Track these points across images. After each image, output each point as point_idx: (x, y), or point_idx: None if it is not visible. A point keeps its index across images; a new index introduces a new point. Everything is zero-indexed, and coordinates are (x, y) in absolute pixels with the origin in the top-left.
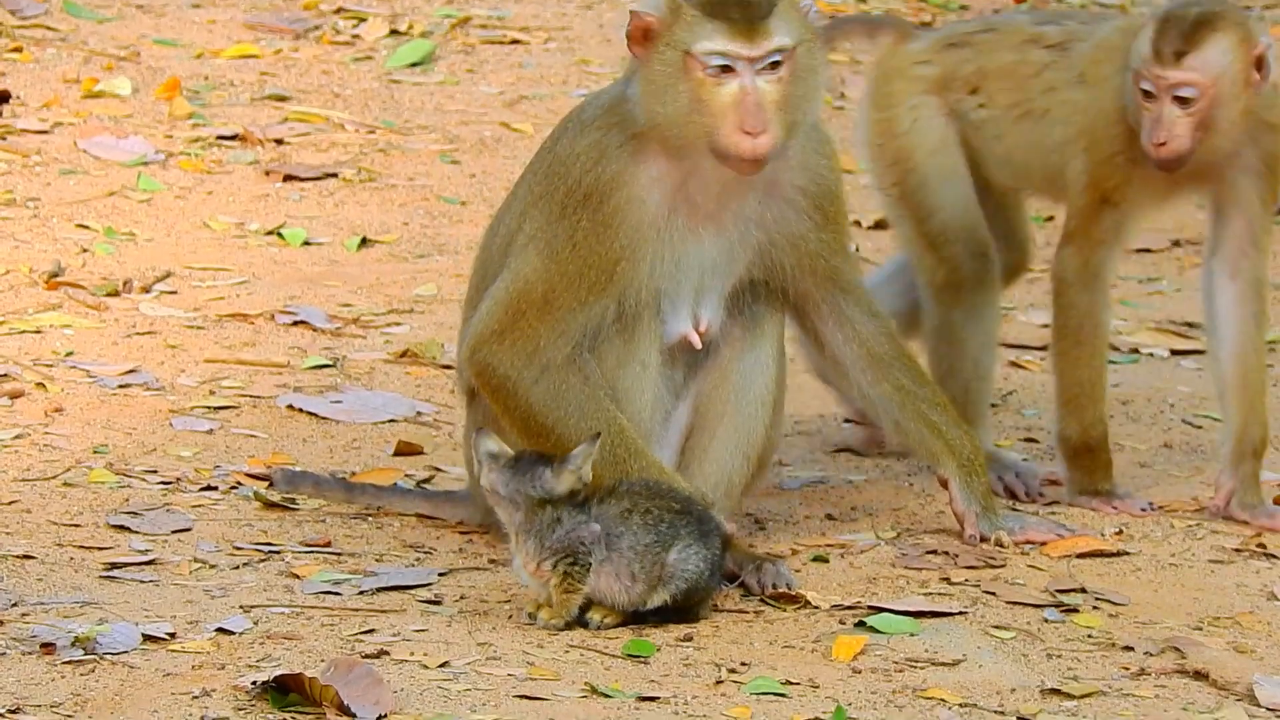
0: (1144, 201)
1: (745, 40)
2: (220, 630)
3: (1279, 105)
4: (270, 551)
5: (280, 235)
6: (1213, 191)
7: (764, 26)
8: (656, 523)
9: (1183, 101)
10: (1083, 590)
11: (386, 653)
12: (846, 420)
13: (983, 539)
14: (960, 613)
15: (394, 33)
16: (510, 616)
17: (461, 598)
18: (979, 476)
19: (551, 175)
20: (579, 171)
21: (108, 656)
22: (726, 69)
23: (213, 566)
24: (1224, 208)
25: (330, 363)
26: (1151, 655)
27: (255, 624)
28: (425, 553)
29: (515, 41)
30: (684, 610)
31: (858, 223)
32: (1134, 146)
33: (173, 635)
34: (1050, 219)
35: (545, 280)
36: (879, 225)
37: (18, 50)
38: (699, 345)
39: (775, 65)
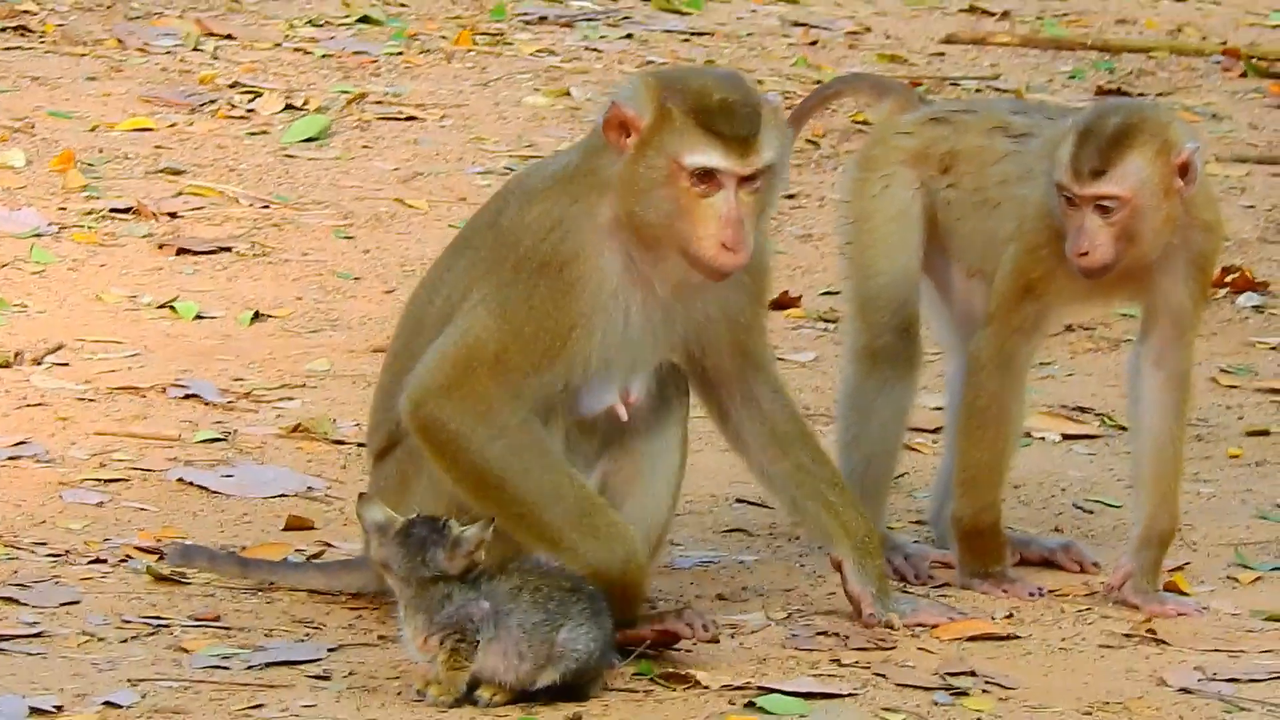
0: (1068, 298)
1: (738, 158)
2: (108, 704)
3: (1213, 203)
4: (159, 625)
5: (173, 309)
6: (1142, 291)
7: (754, 143)
8: (546, 601)
9: (1104, 211)
10: (972, 674)
11: None
12: (739, 500)
13: (876, 621)
14: (850, 694)
15: (290, 107)
16: (399, 693)
17: (350, 673)
18: (873, 558)
19: (500, 245)
20: (531, 240)
21: None
22: (712, 181)
23: (101, 639)
24: (1153, 305)
25: (221, 437)
26: None
27: (143, 698)
28: (315, 628)
29: (411, 118)
30: (573, 689)
31: None
32: (1061, 243)
33: (60, 708)
34: None
35: (498, 340)
36: (774, 305)
37: None
38: (625, 417)
39: (755, 178)
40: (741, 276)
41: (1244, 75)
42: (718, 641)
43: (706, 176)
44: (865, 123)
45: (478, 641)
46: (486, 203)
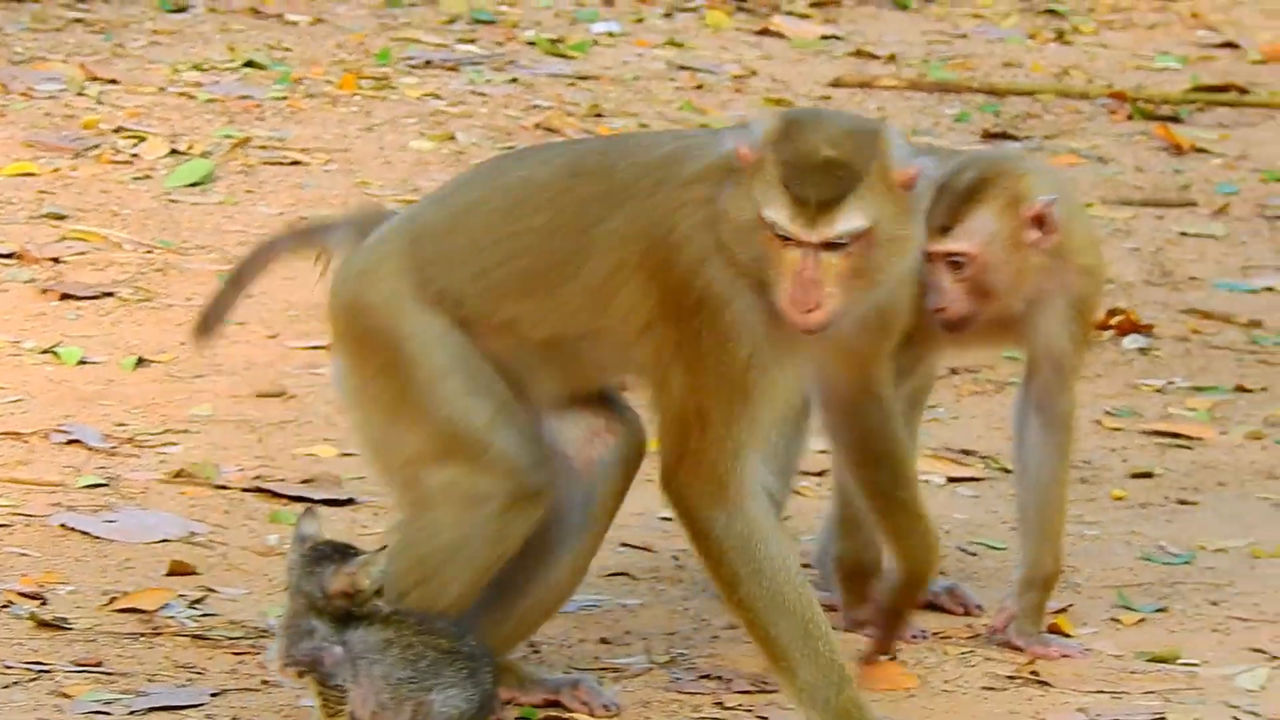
0: (943, 342)
1: (805, 223)
2: None
3: (1094, 246)
4: (40, 671)
5: (56, 354)
6: (1022, 336)
7: (831, 211)
8: (416, 659)
9: (955, 267)
10: None
11: None
12: (623, 544)
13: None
14: None
15: (174, 152)
16: None
17: (234, 718)
18: (918, 588)
19: None
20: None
21: None
22: (789, 240)
23: None
24: (1034, 349)
25: (104, 482)
26: None
27: None
28: (197, 673)
29: (295, 162)
30: None
31: None
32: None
33: None
34: None
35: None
36: None
37: None
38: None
39: (840, 244)
40: (869, 316)
41: (1130, 118)
42: None
43: (784, 234)
44: None
45: (343, 686)
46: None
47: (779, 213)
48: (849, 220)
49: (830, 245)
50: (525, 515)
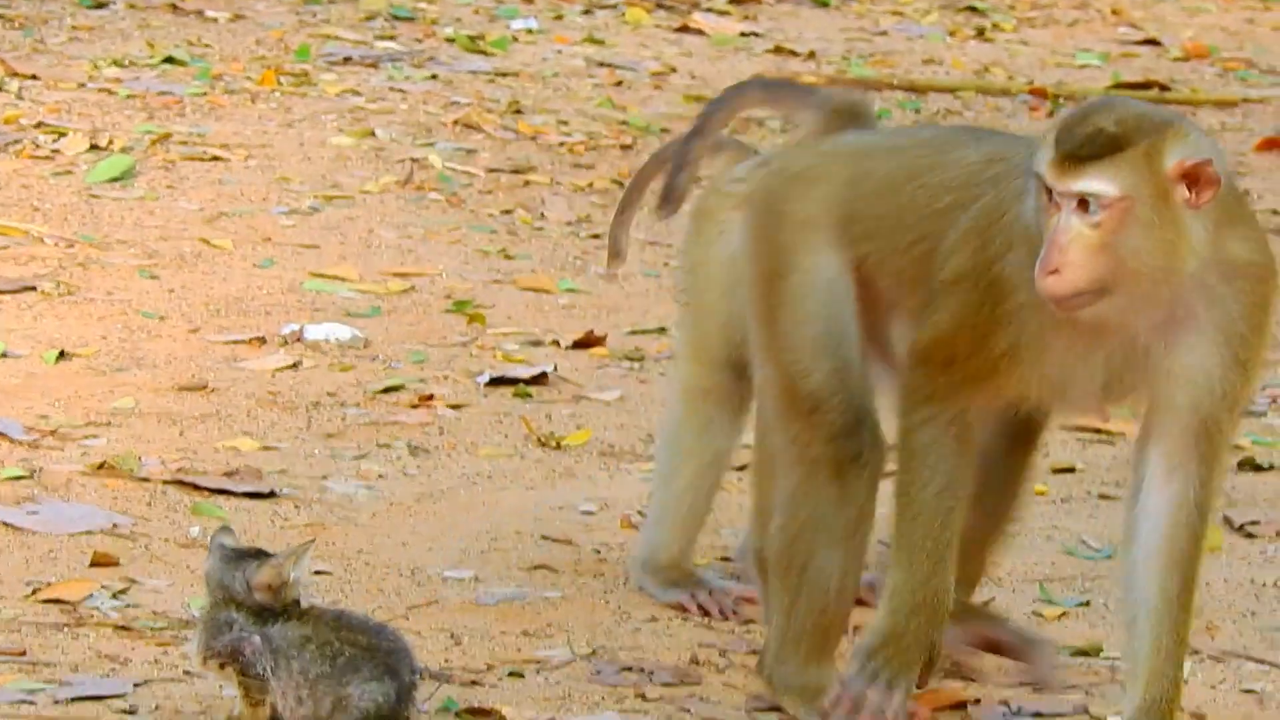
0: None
1: (1057, 171)
2: None
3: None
4: None
5: None
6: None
7: (1080, 166)
8: (334, 656)
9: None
10: (777, 709)
11: None
12: (544, 537)
13: None
14: None
15: (94, 147)
16: None
17: (156, 708)
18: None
19: None
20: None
21: None
22: (1052, 200)
23: None
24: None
25: (27, 474)
26: None
27: None
28: (120, 663)
29: (215, 158)
30: None
31: (556, 342)
32: None
33: None
34: None
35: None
36: (579, 344)
37: None
38: None
39: (1086, 206)
40: (1224, 328)
41: (1051, 115)
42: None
43: (1047, 190)
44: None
45: (265, 675)
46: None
47: (1041, 160)
48: (1099, 180)
49: (1082, 206)
50: (856, 478)
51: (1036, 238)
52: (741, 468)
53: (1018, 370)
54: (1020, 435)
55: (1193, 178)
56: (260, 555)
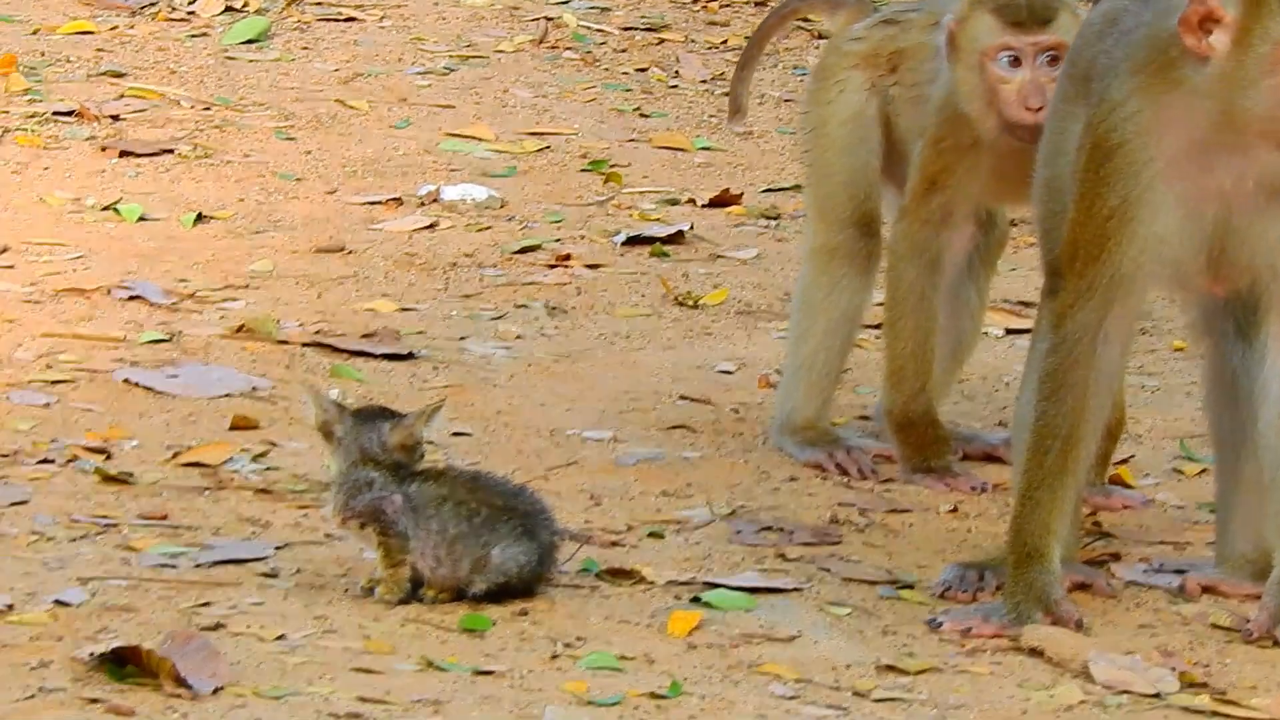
0: (972, 192)
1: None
2: (58, 602)
3: None
4: (107, 525)
5: (117, 211)
6: None
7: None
8: (471, 516)
9: (1053, 63)
10: (919, 567)
11: (223, 625)
12: (682, 397)
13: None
14: (796, 589)
15: (229, 9)
16: (346, 590)
17: (298, 571)
18: None
19: None
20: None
21: None
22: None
23: (50, 539)
24: None
25: (166, 338)
26: None
27: (92, 596)
28: (261, 526)
29: (350, 19)
30: (515, 590)
31: (692, 201)
32: (961, 133)
33: (10, 607)
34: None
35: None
36: (715, 203)
37: None
38: None
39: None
40: None
41: None
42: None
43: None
44: (823, 37)
45: (405, 534)
46: None
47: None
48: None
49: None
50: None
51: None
52: (877, 326)
53: (1132, 249)
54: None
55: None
56: (390, 415)
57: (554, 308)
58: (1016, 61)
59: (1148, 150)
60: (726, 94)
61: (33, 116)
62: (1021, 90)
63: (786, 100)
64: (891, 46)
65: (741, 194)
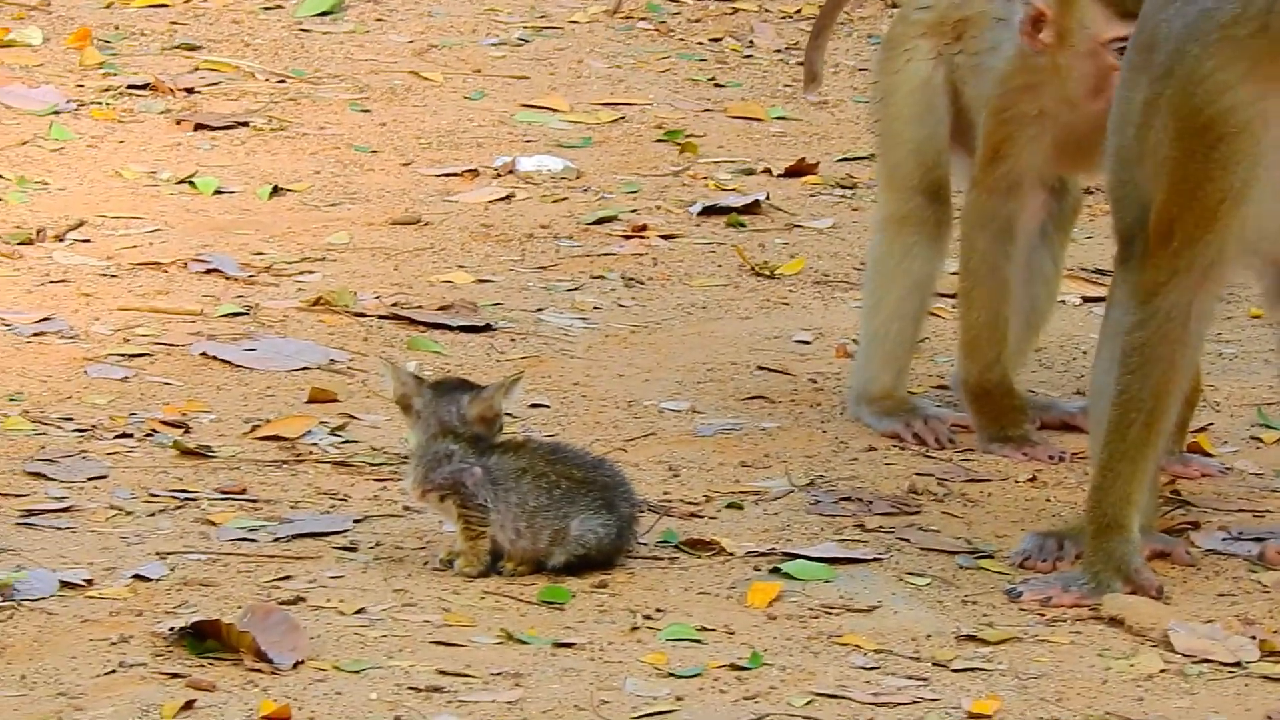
0: (1039, 162)
1: None
2: (137, 577)
3: None
4: (186, 498)
5: (192, 184)
6: None
7: None
8: (551, 488)
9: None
10: (998, 536)
11: (303, 599)
12: (760, 367)
13: None
14: (875, 559)
15: None
16: (425, 563)
17: (377, 544)
18: None
19: None
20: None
21: (25, 603)
22: None
23: (129, 513)
24: None
25: (243, 311)
26: None
27: (172, 570)
28: (340, 500)
29: None
30: (594, 563)
31: (768, 170)
32: (1027, 103)
33: (90, 582)
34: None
35: None
36: (790, 172)
37: None
38: None
39: None
40: None
41: None
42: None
43: None
44: (895, 5)
45: (486, 507)
46: None
47: None
48: None
49: None
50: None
51: None
52: (953, 295)
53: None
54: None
55: None
56: (468, 387)
57: (630, 279)
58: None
59: (1256, 133)
60: (801, 63)
61: (108, 90)
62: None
63: (861, 69)
64: (957, 14)
65: (817, 163)
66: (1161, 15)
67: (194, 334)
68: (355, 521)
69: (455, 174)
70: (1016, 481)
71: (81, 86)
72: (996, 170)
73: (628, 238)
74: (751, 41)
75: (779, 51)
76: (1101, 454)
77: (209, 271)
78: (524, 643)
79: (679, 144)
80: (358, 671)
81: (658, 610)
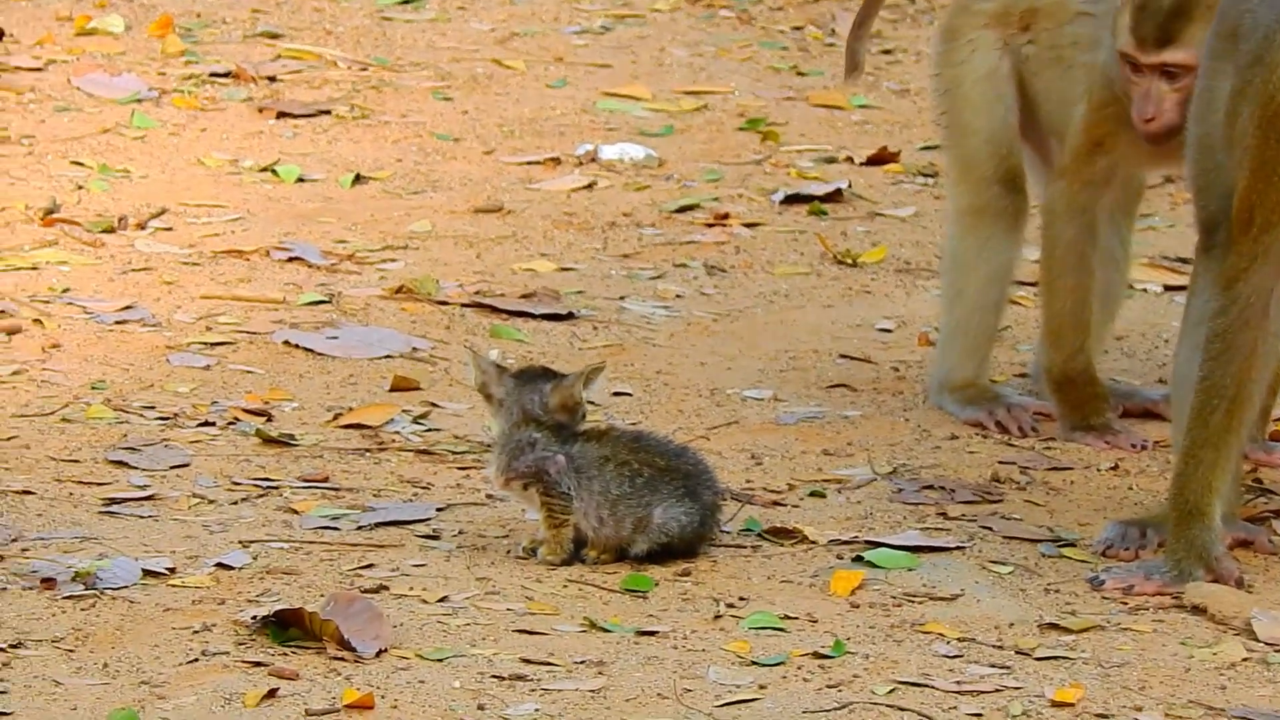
0: (1136, 155)
1: None
2: (220, 565)
3: None
4: (268, 487)
5: (274, 172)
6: None
7: None
8: (634, 476)
9: (1170, 78)
10: (1080, 524)
11: (386, 587)
12: (842, 356)
13: None
14: (958, 548)
15: None
16: (508, 551)
17: (460, 533)
18: None
19: None
20: None
21: (108, 591)
22: None
23: (211, 502)
24: None
25: (326, 299)
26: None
27: (254, 559)
28: (423, 488)
29: None
30: (677, 551)
31: (850, 159)
32: (1127, 103)
33: (172, 570)
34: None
35: None
36: (872, 161)
37: None
38: None
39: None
40: None
41: None
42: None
43: None
44: None
45: (569, 495)
46: None
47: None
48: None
49: None
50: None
51: None
52: (1033, 283)
53: None
54: None
55: None
56: (550, 375)
57: (713, 267)
58: (1138, 69)
59: None
60: (884, 51)
61: (189, 78)
62: (1139, 98)
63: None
64: (1024, 5)
65: (899, 151)
66: (1246, 5)
67: (276, 322)
68: (438, 510)
69: (537, 162)
70: (1099, 470)
71: (163, 74)
72: (1095, 163)
73: (710, 226)
74: (833, 30)
75: None
76: (1184, 442)
77: (291, 260)
78: (607, 631)
79: (761, 132)
80: (441, 660)
81: (740, 599)
